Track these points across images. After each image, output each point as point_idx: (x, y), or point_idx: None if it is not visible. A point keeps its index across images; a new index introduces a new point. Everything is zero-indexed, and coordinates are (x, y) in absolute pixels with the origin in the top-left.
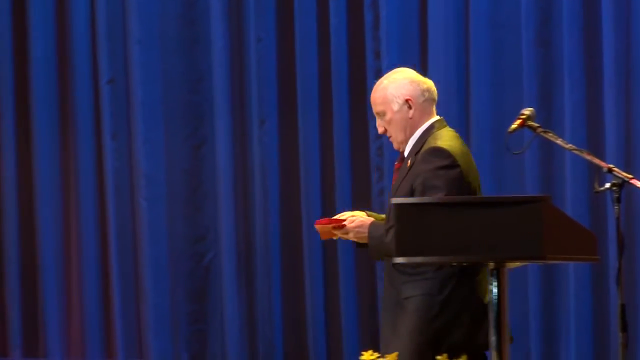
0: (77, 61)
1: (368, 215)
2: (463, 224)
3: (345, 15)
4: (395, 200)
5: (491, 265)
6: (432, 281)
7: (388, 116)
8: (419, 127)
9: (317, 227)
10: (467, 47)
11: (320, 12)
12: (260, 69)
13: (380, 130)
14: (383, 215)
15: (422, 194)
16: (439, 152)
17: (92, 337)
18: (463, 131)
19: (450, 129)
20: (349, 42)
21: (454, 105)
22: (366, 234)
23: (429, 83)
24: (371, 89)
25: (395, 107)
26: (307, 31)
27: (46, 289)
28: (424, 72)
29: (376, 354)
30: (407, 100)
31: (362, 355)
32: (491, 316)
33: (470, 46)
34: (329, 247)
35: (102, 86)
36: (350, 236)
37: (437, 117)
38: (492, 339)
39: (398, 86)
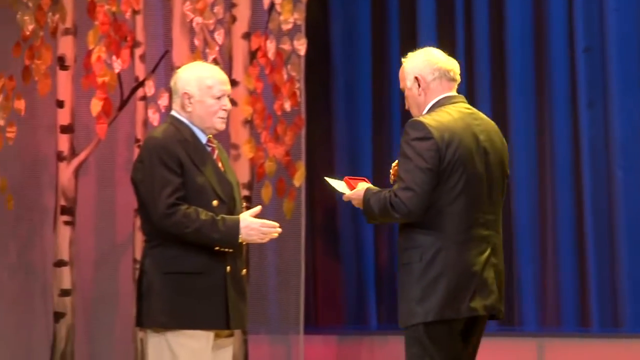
0: (554, 29)
1: None
2: None
3: None
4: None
5: None
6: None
7: (406, 93)
8: (428, 103)
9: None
10: None
11: None
12: None
13: (406, 106)
14: None
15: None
16: (413, 124)
17: (567, 306)
18: None
19: (459, 105)
20: None
21: None
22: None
23: (444, 63)
24: None
25: (409, 83)
26: None
27: (521, 258)
28: None
29: None
30: (416, 78)
31: None
32: None
33: None
34: None
35: (578, 54)
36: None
37: (447, 94)
38: None
39: (410, 64)
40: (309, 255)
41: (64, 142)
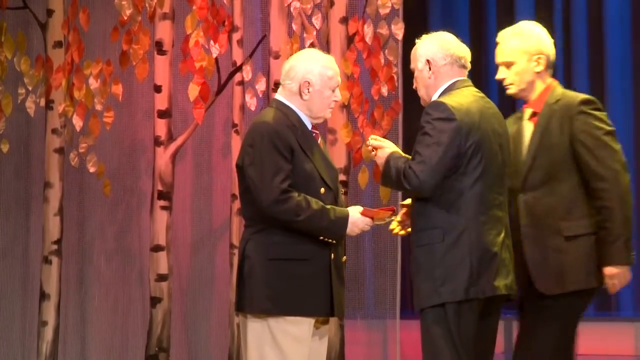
0: None
1: None
2: None
3: None
4: None
5: None
6: None
7: (415, 74)
8: (439, 87)
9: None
10: None
11: None
12: None
13: (414, 85)
14: None
15: (416, 143)
16: (436, 105)
17: None
18: None
19: (471, 89)
20: None
21: None
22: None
23: (457, 49)
24: None
25: (420, 65)
26: None
27: None
28: None
29: None
30: (427, 61)
31: None
32: None
33: None
34: None
35: None
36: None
37: (459, 78)
38: None
39: (424, 47)
40: (405, 239)
41: (161, 127)
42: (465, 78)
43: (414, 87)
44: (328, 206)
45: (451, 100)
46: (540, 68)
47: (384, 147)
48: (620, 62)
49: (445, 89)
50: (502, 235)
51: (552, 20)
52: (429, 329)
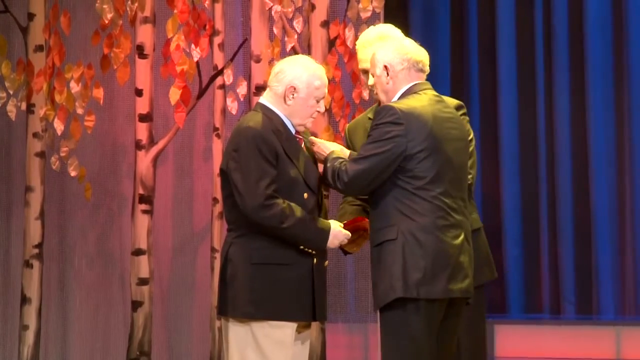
0: (633, 18)
1: None
2: None
3: None
4: None
5: None
6: None
7: (374, 80)
8: (397, 92)
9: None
10: None
11: None
12: None
13: (370, 82)
14: None
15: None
16: (386, 109)
17: None
18: None
19: (428, 92)
20: None
21: None
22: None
23: (414, 54)
24: None
25: (378, 71)
26: None
27: (599, 246)
28: None
29: None
30: (385, 67)
31: None
32: None
33: None
34: None
35: None
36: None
37: (416, 82)
38: None
39: (381, 53)
40: None
41: (142, 131)
42: (424, 81)
43: (374, 93)
44: (312, 216)
45: (403, 104)
46: None
47: (324, 145)
48: (601, 62)
49: (404, 92)
50: (461, 238)
51: (533, 20)
52: (387, 327)
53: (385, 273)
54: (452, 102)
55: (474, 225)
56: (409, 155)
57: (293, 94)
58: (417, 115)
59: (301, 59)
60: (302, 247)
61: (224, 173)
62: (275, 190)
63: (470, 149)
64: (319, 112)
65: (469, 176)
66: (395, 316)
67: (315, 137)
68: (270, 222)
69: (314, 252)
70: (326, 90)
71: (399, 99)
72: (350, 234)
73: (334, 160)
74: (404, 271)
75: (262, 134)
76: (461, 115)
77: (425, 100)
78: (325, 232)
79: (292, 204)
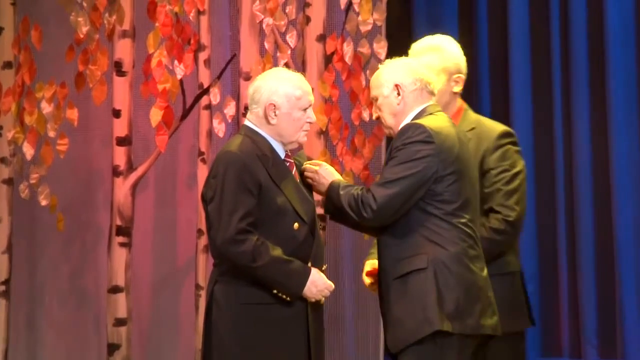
0: None
1: None
2: None
3: None
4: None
5: None
6: None
7: (379, 101)
8: (408, 114)
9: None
10: None
11: None
12: None
13: (374, 116)
14: None
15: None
16: (414, 127)
17: None
18: None
19: (444, 114)
20: None
21: None
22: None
23: (425, 75)
24: None
25: (386, 91)
26: None
27: (624, 286)
28: None
29: None
30: (396, 86)
31: None
32: None
33: None
34: None
35: None
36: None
37: (431, 103)
38: None
39: (390, 71)
40: None
41: (120, 156)
42: (435, 104)
43: (374, 117)
44: (290, 259)
45: (429, 122)
46: (459, 88)
47: (323, 170)
48: (624, 74)
49: (416, 115)
50: (486, 271)
51: (549, 33)
52: None
53: (416, 305)
54: (499, 127)
55: (510, 268)
56: (439, 177)
57: (274, 112)
58: (446, 134)
59: (274, 71)
60: (275, 291)
61: (205, 202)
62: (252, 224)
63: (517, 182)
64: (310, 122)
65: (513, 212)
66: (429, 353)
67: (310, 160)
68: (241, 260)
69: (288, 298)
70: (311, 98)
71: (414, 119)
72: (332, 286)
73: (346, 189)
74: (440, 302)
75: (243, 159)
76: (508, 144)
77: (446, 121)
78: (303, 276)
79: (268, 243)
